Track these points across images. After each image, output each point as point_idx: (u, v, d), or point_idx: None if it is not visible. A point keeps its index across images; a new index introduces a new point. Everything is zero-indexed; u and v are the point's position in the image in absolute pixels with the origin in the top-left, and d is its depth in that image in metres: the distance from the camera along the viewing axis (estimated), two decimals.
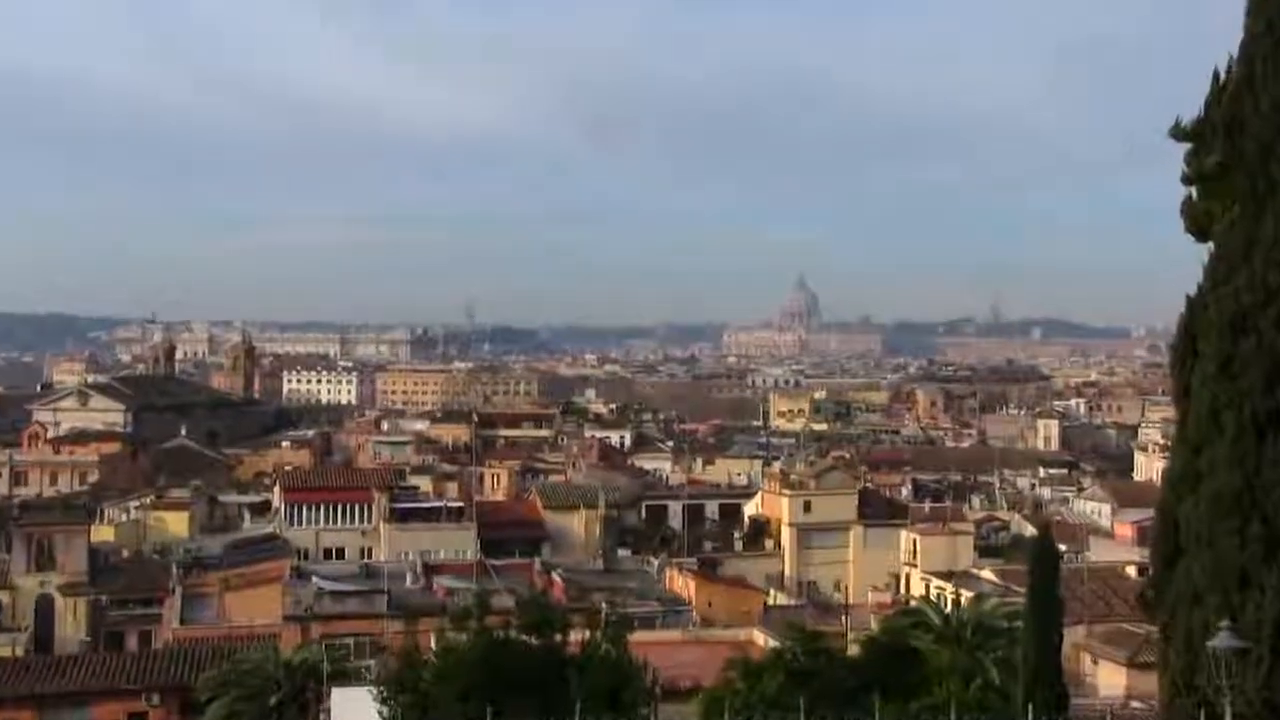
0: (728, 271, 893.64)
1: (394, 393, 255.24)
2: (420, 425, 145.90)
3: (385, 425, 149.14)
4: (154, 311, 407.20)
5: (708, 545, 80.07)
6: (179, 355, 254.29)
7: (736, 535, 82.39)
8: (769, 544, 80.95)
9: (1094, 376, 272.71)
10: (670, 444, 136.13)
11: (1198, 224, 17.91)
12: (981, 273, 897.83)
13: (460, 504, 79.62)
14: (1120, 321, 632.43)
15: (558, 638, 35.24)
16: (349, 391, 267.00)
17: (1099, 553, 71.64)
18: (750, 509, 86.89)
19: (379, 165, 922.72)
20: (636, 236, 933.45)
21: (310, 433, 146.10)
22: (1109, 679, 46.78)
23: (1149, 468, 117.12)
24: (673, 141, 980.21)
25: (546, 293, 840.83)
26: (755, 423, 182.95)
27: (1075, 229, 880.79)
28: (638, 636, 42.73)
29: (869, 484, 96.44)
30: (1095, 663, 47.98)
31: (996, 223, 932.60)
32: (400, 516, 76.48)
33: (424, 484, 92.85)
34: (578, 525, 79.65)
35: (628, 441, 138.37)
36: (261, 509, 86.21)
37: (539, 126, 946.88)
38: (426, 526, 75.52)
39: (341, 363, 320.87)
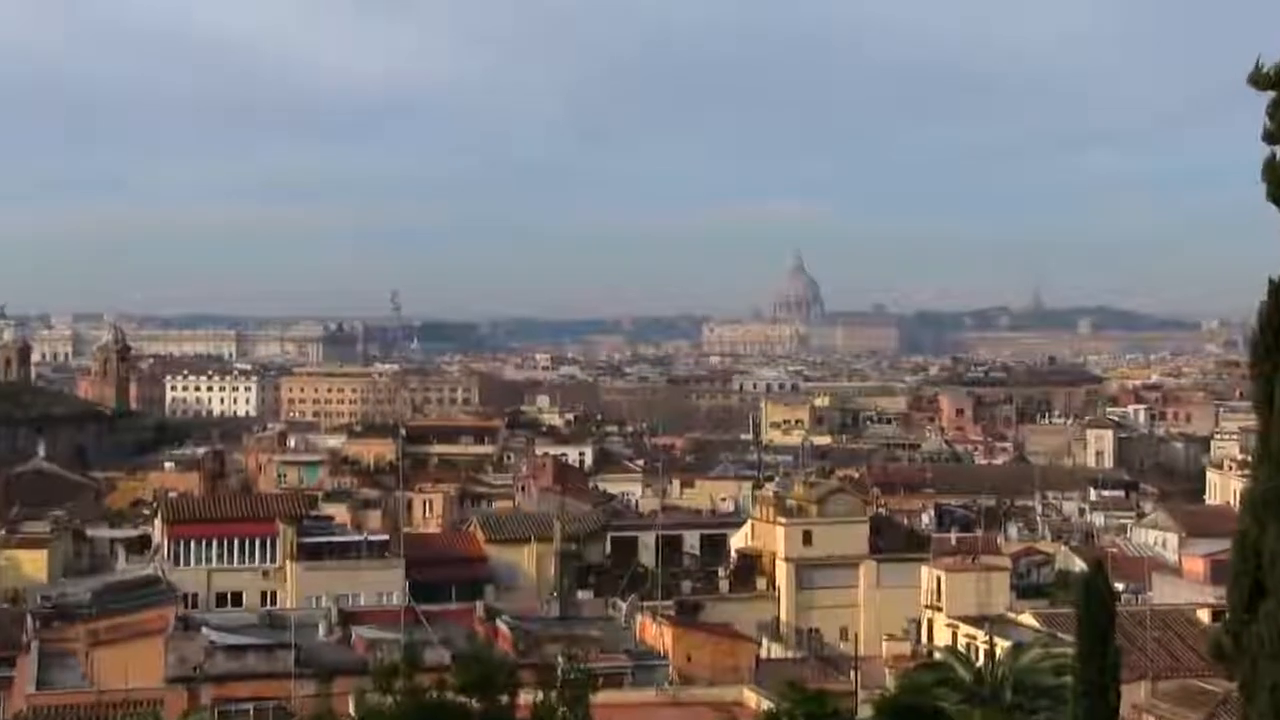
0: (711, 252, 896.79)
1: (303, 401, 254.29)
2: (335, 441, 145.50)
3: (292, 441, 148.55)
4: (3, 303, 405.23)
5: (687, 585, 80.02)
6: (36, 357, 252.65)
7: (722, 573, 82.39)
8: (761, 584, 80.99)
9: (1156, 377, 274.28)
10: (641, 462, 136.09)
11: None
12: (1019, 252, 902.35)
13: (384, 537, 79.42)
14: (1188, 311, 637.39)
15: (504, 699, 35.15)
16: (247, 400, 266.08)
17: (1164, 593, 72.02)
18: (738, 541, 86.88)
19: (282, 122, 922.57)
20: (600, 209, 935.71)
21: (200, 451, 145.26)
22: None
23: (1224, 489, 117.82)
24: (647, 92, 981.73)
25: (489, 279, 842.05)
26: (744, 436, 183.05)
27: (1134, 199, 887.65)
28: (602, 697, 42.64)
29: (883, 510, 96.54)
30: None
31: (1038, 192, 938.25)
32: (311, 553, 76.16)
33: (340, 513, 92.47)
34: (528, 562, 79.50)
35: (589, 460, 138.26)
36: (139, 545, 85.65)
37: (479, 74, 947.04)
38: (343, 565, 75.27)
39: (238, 365, 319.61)
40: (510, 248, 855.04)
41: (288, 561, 75.55)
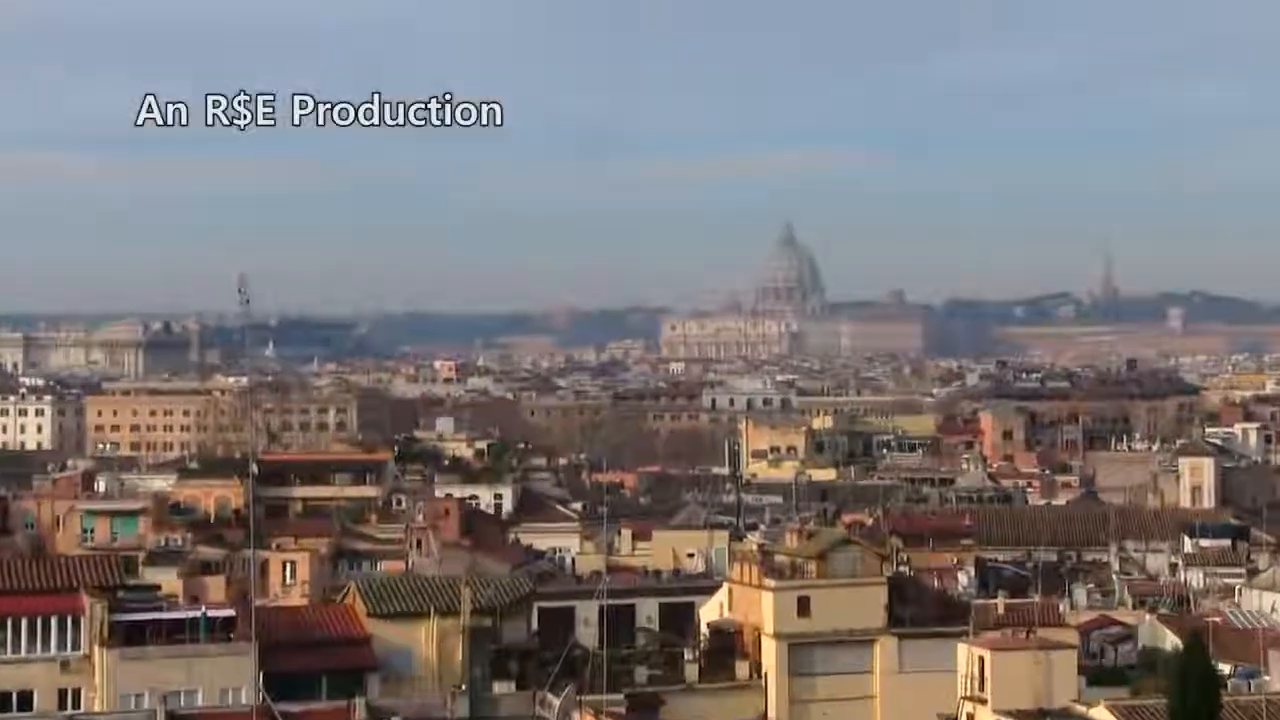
0: (673, 222, 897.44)
1: (116, 429, 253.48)
2: (161, 482, 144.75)
3: (102, 484, 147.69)
4: None
5: (641, 673, 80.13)
6: None
7: (689, 655, 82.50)
8: (742, 669, 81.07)
9: (1272, 386, 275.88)
10: (578, 507, 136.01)
11: None
12: (1087, 218, 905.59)
13: (229, 613, 79.00)
14: None
15: None
16: (39, 428, 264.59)
17: None
18: (711, 612, 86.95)
19: (87, 54, 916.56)
20: (525, 166, 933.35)
21: None
22: None
23: None
24: (591, 13, 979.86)
25: (371, 261, 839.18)
26: (717, 470, 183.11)
27: (1240, 147, 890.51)
28: None
29: (905, 568, 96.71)
30: None
31: (1112, 138, 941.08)
32: (128, 636, 75.73)
33: (168, 581, 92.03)
34: (425, 644, 79.23)
35: (507, 504, 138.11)
36: None
37: None
38: (173, 652, 74.87)
39: (26, 379, 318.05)
40: (401, 222, 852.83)
41: (96, 648, 75.08)
